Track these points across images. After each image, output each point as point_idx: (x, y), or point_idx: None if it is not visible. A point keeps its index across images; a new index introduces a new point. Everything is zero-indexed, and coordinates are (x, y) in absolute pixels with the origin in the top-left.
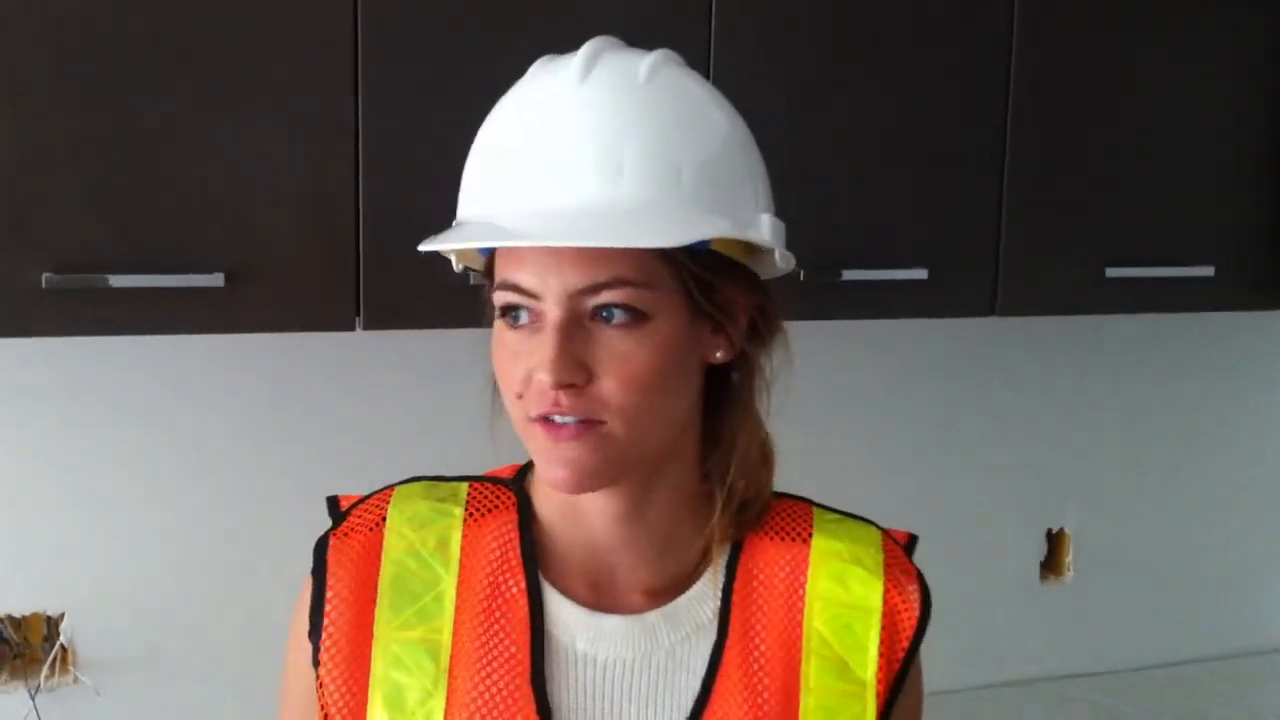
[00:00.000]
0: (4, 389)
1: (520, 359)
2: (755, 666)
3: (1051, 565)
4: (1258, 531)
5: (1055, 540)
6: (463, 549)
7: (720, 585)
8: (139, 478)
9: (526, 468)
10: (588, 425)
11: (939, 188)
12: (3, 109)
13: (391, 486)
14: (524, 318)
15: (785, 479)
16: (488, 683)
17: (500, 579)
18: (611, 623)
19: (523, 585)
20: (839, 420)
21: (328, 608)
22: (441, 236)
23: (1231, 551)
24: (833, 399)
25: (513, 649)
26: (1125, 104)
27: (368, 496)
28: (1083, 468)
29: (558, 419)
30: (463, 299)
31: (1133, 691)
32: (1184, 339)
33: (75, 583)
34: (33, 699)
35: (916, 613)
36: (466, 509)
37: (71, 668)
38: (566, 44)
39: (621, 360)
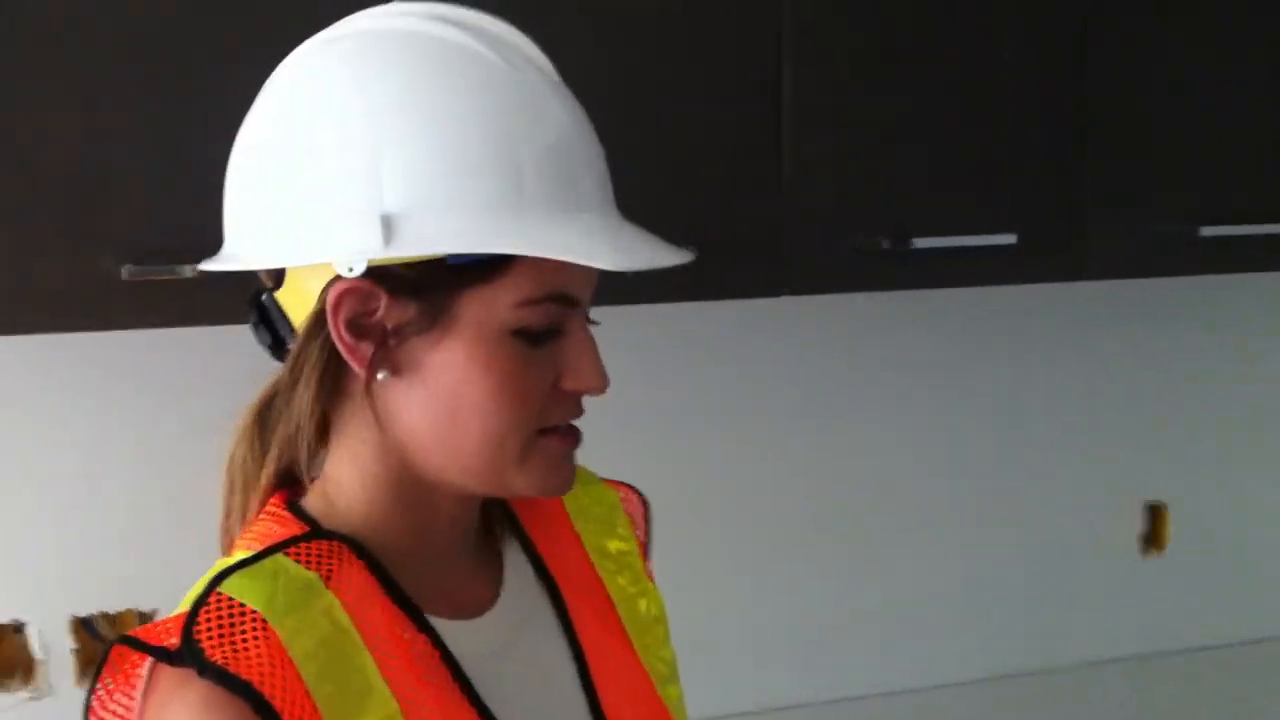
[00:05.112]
0: (77, 384)
1: (544, 369)
2: (588, 598)
3: (1152, 539)
4: None
5: (1154, 514)
6: (349, 614)
7: (519, 546)
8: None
9: (306, 520)
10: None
11: (1021, 153)
12: (71, 102)
13: (213, 590)
14: (553, 330)
15: (874, 459)
16: None
17: (394, 631)
18: (485, 622)
19: (414, 629)
20: (927, 394)
21: None
22: (615, 252)
23: None
24: (916, 371)
25: (448, 692)
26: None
27: (193, 616)
28: (1181, 440)
29: (573, 423)
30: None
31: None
32: None
33: (166, 581)
34: None
35: (635, 494)
36: (318, 574)
37: None
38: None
39: None
